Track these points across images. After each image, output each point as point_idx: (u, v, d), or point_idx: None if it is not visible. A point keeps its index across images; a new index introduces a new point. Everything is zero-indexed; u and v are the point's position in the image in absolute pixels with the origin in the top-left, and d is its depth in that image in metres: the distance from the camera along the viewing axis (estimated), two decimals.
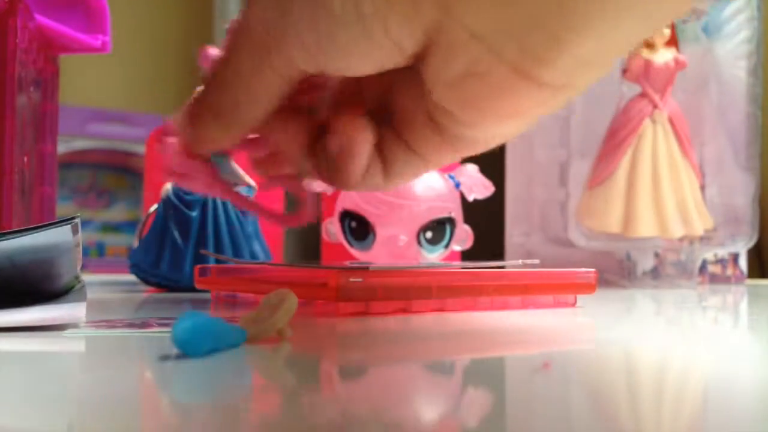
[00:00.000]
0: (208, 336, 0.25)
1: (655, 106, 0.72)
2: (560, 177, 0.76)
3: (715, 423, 0.19)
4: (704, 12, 0.76)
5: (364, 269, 0.38)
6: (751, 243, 0.76)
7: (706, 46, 0.76)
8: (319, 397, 0.21)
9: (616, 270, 0.73)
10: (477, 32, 0.26)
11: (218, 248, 0.54)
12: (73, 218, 0.32)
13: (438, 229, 0.51)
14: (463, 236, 0.53)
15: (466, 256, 0.59)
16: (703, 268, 0.76)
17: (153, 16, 1.67)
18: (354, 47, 0.28)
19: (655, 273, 0.73)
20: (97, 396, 0.21)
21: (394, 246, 0.50)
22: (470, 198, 0.53)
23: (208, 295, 0.47)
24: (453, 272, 0.40)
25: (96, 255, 1.46)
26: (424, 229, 0.51)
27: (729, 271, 0.77)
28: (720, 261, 0.77)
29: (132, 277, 0.57)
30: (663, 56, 0.72)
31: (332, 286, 0.37)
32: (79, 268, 0.35)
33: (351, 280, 0.37)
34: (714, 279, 0.76)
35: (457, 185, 0.53)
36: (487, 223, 0.68)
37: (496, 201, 0.67)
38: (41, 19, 0.48)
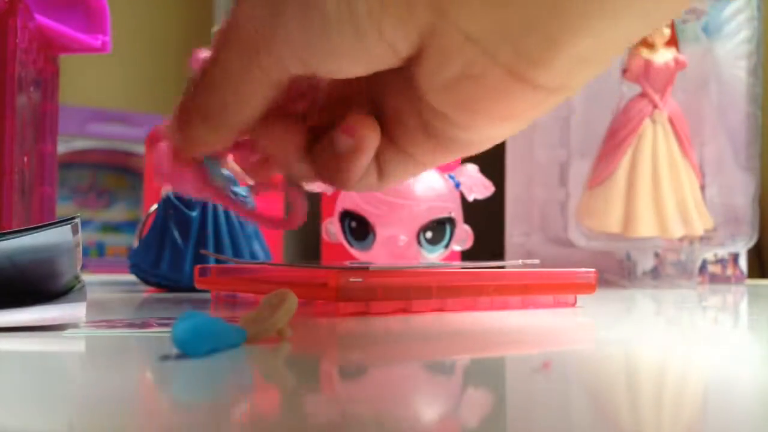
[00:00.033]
0: (208, 336, 0.25)
1: (655, 106, 0.72)
2: (560, 177, 0.76)
3: (714, 423, 0.19)
4: (704, 12, 0.76)
5: (364, 269, 0.38)
6: (751, 243, 0.76)
7: (706, 46, 0.76)
8: (319, 397, 0.21)
9: (616, 270, 0.73)
10: (472, 35, 0.26)
11: (218, 248, 0.54)
12: (73, 218, 0.32)
13: (438, 229, 0.51)
14: (463, 236, 0.53)
15: (466, 256, 0.59)
16: (703, 268, 0.76)
17: (153, 16, 1.67)
18: (346, 49, 0.28)
19: (655, 273, 0.73)
20: (97, 396, 0.21)
21: (394, 246, 0.50)
22: (470, 198, 0.53)
23: (208, 295, 0.47)
24: (453, 272, 0.40)
25: (96, 255, 1.46)
26: (424, 229, 0.51)
27: (729, 271, 0.77)
28: (720, 261, 0.77)
29: (132, 277, 0.57)
30: (663, 56, 0.72)
31: (332, 286, 0.37)
32: (79, 268, 0.35)
33: (351, 280, 0.37)
34: (714, 279, 0.76)
35: (457, 185, 0.53)
36: (487, 223, 0.68)
37: (496, 201, 0.67)
38: (41, 19, 0.48)
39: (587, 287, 0.44)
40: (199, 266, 0.45)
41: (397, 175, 0.33)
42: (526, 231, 0.78)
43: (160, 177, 0.35)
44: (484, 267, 0.42)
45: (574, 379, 0.25)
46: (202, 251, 0.52)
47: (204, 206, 0.54)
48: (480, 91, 0.28)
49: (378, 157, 0.32)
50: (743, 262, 0.77)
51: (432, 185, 0.51)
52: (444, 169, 0.51)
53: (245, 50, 0.29)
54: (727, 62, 0.76)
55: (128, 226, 1.49)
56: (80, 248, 0.34)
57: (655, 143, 0.71)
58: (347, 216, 0.52)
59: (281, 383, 0.24)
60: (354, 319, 0.36)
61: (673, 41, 0.73)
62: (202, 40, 0.31)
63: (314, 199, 0.38)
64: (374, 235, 0.51)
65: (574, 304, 0.44)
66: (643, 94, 0.72)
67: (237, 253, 0.54)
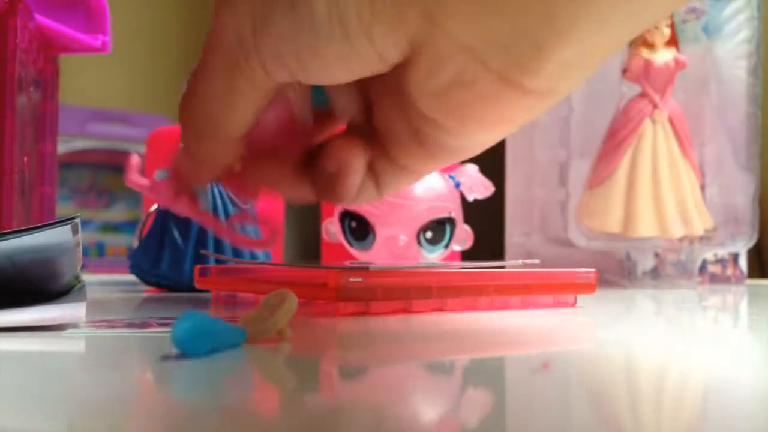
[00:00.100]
0: (208, 336, 0.25)
1: (655, 106, 0.72)
2: (560, 177, 0.76)
3: (715, 423, 0.19)
4: (704, 12, 0.76)
5: (364, 269, 0.38)
6: (751, 243, 0.76)
7: (706, 46, 0.76)
8: (319, 397, 0.21)
9: (616, 270, 0.73)
10: (463, 42, 0.26)
11: (218, 248, 0.54)
12: (73, 218, 0.32)
13: (438, 229, 0.51)
14: (463, 236, 0.53)
15: (466, 256, 0.59)
16: (703, 268, 0.76)
17: (153, 16, 1.67)
18: (335, 55, 0.27)
19: (655, 273, 0.73)
20: (97, 396, 0.21)
21: (394, 246, 0.50)
22: (470, 198, 0.53)
23: (208, 295, 0.47)
24: (453, 272, 0.40)
25: (96, 255, 1.46)
26: (424, 229, 0.51)
27: (729, 271, 0.77)
28: (720, 261, 0.77)
29: (132, 277, 0.57)
30: (663, 56, 0.72)
31: (332, 286, 0.37)
32: (79, 268, 0.35)
33: (351, 280, 0.37)
34: (714, 279, 0.76)
35: (457, 185, 0.53)
36: (487, 223, 0.68)
37: (496, 201, 0.67)
38: (41, 19, 0.48)
39: (587, 287, 0.44)
40: (199, 266, 0.45)
41: (394, 185, 0.33)
42: (526, 231, 0.78)
43: (156, 198, 0.37)
44: (484, 267, 0.42)
45: (574, 379, 0.25)
46: (202, 251, 0.52)
47: (214, 206, 0.54)
48: (471, 97, 0.28)
49: (373, 171, 0.32)
50: (743, 262, 0.77)
51: (432, 185, 0.51)
52: (444, 169, 0.51)
53: (229, 62, 0.29)
54: (727, 62, 0.76)
55: (128, 226, 1.49)
56: (80, 248, 0.34)
57: (655, 143, 0.71)
58: (347, 216, 0.52)
59: (281, 383, 0.24)
60: (354, 319, 0.36)
61: (673, 41, 0.73)
62: (202, 40, 0.31)
63: None
64: (374, 235, 0.51)
65: (574, 304, 0.44)
66: (643, 94, 0.72)
67: (237, 253, 0.54)
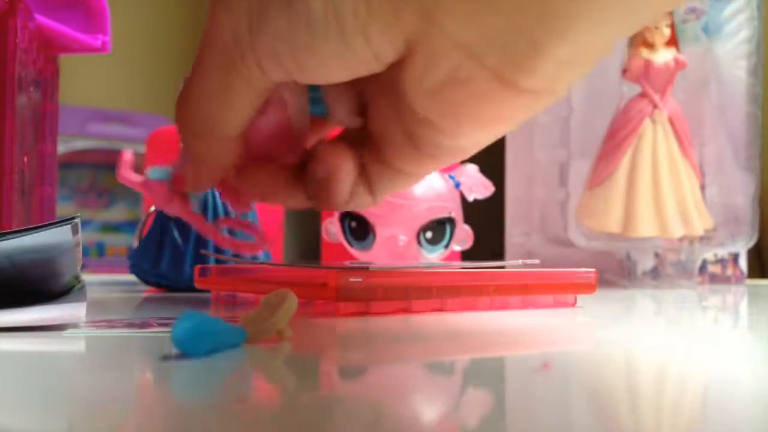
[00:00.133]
0: (208, 336, 0.25)
1: (655, 106, 0.72)
2: (560, 177, 0.76)
3: (714, 423, 0.19)
4: (704, 12, 0.76)
5: (364, 269, 0.38)
6: (751, 243, 0.76)
7: (706, 46, 0.76)
8: (319, 397, 0.21)
9: (616, 270, 0.73)
10: (459, 40, 0.26)
11: (218, 248, 0.54)
12: (73, 218, 0.32)
13: (438, 229, 0.51)
14: (463, 236, 0.53)
15: (466, 256, 0.59)
16: (703, 268, 0.76)
17: (153, 16, 1.67)
18: (331, 54, 0.27)
19: (655, 273, 0.73)
20: (97, 396, 0.21)
21: (394, 246, 0.50)
22: (470, 198, 0.53)
23: (208, 295, 0.47)
24: (453, 272, 0.40)
25: (96, 255, 1.46)
26: (424, 229, 0.51)
27: (729, 271, 0.77)
28: (720, 261, 0.77)
29: (132, 277, 0.57)
30: (663, 56, 0.72)
31: (332, 286, 0.37)
32: (79, 268, 0.35)
33: (351, 280, 0.37)
34: (714, 279, 0.76)
35: (457, 185, 0.53)
36: (487, 223, 0.68)
37: (496, 201, 0.67)
38: (41, 19, 0.48)
39: (587, 287, 0.44)
40: (199, 266, 0.45)
41: (388, 190, 0.33)
42: (526, 231, 0.78)
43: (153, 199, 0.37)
44: (484, 267, 0.42)
45: (574, 379, 0.25)
46: (202, 251, 0.52)
47: (204, 206, 0.54)
48: (466, 95, 0.28)
49: (367, 176, 0.32)
50: (743, 262, 0.77)
51: (432, 185, 0.51)
52: (444, 169, 0.51)
53: (224, 61, 0.29)
54: (727, 62, 0.76)
55: (128, 226, 1.49)
56: (80, 248, 0.34)
57: (655, 143, 0.71)
58: (347, 216, 0.52)
59: (281, 383, 0.24)
60: (354, 319, 0.36)
61: (673, 41, 0.73)
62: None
63: None
64: (374, 235, 0.51)
65: (574, 304, 0.44)
66: (643, 94, 0.72)
67: (237, 253, 0.54)
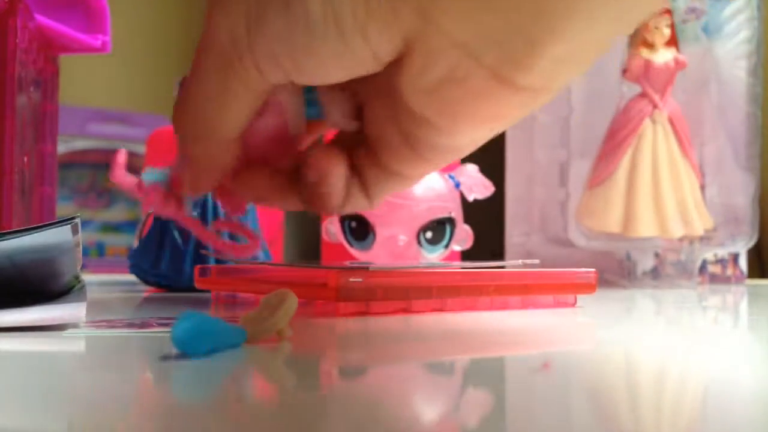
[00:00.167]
0: (208, 336, 0.25)
1: (655, 106, 0.72)
2: (560, 177, 0.76)
3: (714, 423, 0.19)
4: (704, 12, 0.76)
5: (364, 269, 0.38)
6: (751, 243, 0.76)
7: (706, 46, 0.76)
8: (319, 397, 0.21)
9: (616, 270, 0.73)
10: (457, 38, 0.26)
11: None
12: (73, 218, 0.32)
13: (438, 229, 0.51)
14: (463, 236, 0.53)
15: (466, 256, 0.59)
16: (703, 268, 0.76)
17: (153, 16, 1.67)
18: (330, 54, 0.27)
19: (655, 273, 0.73)
20: (97, 396, 0.21)
21: (394, 246, 0.50)
22: (470, 198, 0.53)
23: (208, 295, 0.47)
24: (453, 272, 0.40)
25: (96, 255, 1.46)
26: (424, 229, 0.51)
27: (729, 271, 0.77)
28: (720, 261, 0.77)
29: (132, 277, 0.57)
30: (663, 56, 0.72)
31: (332, 286, 0.37)
32: (79, 268, 0.35)
33: (351, 280, 0.37)
34: (714, 279, 0.76)
35: (457, 185, 0.53)
36: (487, 223, 0.68)
37: (496, 201, 0.67)
38: (41, 19, 0.48)
39: (587, 287, 0.44)
40: (199, 266, 0.45)
41: (384, 193, 0.33)
42: (526, 231, 0.78)
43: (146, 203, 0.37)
44: (484, 267, 0.42)
45: (574, 379, 0.25)
46: (202, 251, 0.52)
47: (204, 206, 0.54)
48: (463, 93, 0.28)
49: (363, 179, 0.32)
50: (743, 262, 0.77)
51: (432, 185, 0.51)
52: (444, 169, 0.51)
53: (222, 64, 0.29)
54: (727, 62, 0.76)
55: (128, 226, 1.49)
56: (80, 248, 0.34)
57: (655, 143, 0.71)
58: (347, 216, 0.52)
59: (281, 383, 0.24)
60: (354, 319, 0.36)
61: (673, 41, 0.73)
62: None
63: None
64: (374, 235, 0.51)
65: (574, 304, 0.44)
66: (643, 94, 0.72)
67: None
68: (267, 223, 0.61)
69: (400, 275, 0.39)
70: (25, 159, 0.46)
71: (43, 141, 0.51)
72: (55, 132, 0.53)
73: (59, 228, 0.32)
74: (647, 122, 0.72)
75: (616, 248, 0.73)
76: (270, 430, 0.18)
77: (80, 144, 1.46)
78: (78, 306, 0.32)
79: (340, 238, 0.53)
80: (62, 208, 0.90)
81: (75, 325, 0.31)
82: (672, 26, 0.73)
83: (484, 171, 0.54)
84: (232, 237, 0.51)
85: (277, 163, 0.33)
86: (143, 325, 0.32)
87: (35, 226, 0.32)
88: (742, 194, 0.75)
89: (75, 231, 0.32)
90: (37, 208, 0.50)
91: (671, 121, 0.72)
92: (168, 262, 0.53)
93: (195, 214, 0.45)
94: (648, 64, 0.71)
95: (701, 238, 0.74)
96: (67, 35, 0.50)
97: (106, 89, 1.61)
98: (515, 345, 0.32)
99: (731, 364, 0.28)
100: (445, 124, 0.29)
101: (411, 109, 0.29)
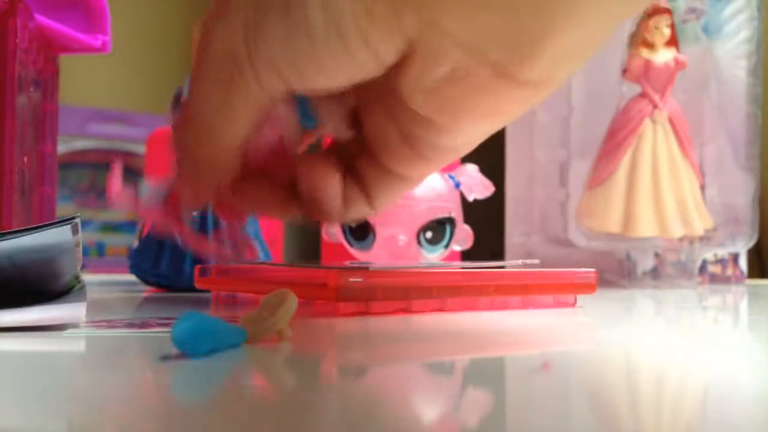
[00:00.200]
0: (208, 336, 0.25)
1: (655, 106, 0.72)
2: (560, 177, 0.76)
3: (714, 423, 0.19)
4: (704, 12, 0.76)
5: (364, 269, 0.38)
6: (751, 243, 0.76)
7: (706, 46, 0.76)
8: (319, 397, 0.21)
9: (616, 270, 0.73)
10: (459, 38, 0.26)
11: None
12: (73, 218, 0.32)
13: (438, 229, 0.51)
14: (463, 236, 0.53)
15: (466, 256, 0.59)
16: (703, 268, 0.76)
17: (153, 16, 1.67)
18: (331, 60, 0.27)
19: (655, 273, 0.73)
20: (97, 396, 0.21)
21: (394, 246, 0.50)
22: (470, 198, 0.53)
23: (208, 295, 0.47)
24: (453, 272, 0.40)
25: (96, 255, 1.46)
26: (424, 229, 0.51)
27: (729, 271, 0.77)
28: (720, 261, 0.77)
29: (132, 277, 0.57)
30: (663, 56, 0.72)
31: (332, 286, 0.37)
32: (79, 268, 0.35)
33: (351, 280, 0.37)
34: (714, 279, 0.76)
35: (457, 185, 0.53)
36: (487, 223, 0.68)
37: (496, 201, 0.67)
38: (41, 19, 0.48)
39: (587, 287, 0.44)
40: (199, 266, 0.45)
41: (386, 197, 0.33)
42: (526, 231, 0.78)
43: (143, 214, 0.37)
44: (484, 267, 0.42)
45: (574, 379, 0.25)
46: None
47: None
48: (464, 90, 0.28)
49: (363, 185, 0.32)
50: (743, 262, 0.77)
51: (432, 185, 0.51)
52: (444, 169, 0.51)
53: (221, 78, 0.29)
54: (727, 62, 0.76)
55: (128, 226, 1.49)
56: (80, 248, 0.34)
57: (655, 143, 0.71)
58: None
59: (281, 383, 0.24)
60: (354, 319, 0.36)
61: (673, 41, 0.73)
62: None
63: None
64: (374, 235, 0.51)
65: (574, 304, 0.44)
66: (643, 94, 0.72)
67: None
68: (267, 224, 0.61)
69: (400, 275, 0.39)
70: (25, 159, 0.46)
71: (43, 141, 0.51)
72: (55, 132, 0.53)
73: (59, 228, 0.32)
74: (647, 122, 0.72)
75: (616, 248, 0.73)
76: (270, 430, 0.18)
77: (80, 144, 1.46)
78: (78, 306, 0.32)
79: (340, 238, 0.52)
80: (62, 208, 0.90)
81: (75, 325, 0.31)
82: (672, 26, 0.73)
83: (484, 171, 0.54)
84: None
85: (276, 176, 0.33)
86: (143, 325, 0.32)
87: (35, 226, 0.32)
88: (742, 194, 0.75)
89: (75, 231, 0.32)
90: (37, 208, 0.50)
91: (671, 121, 0.72)
92: (168, 262, 0.53)
93: (194, 226, 0.45)
94: (648, 64, 0.71)
95: (701, 238, 0.74)
96: (67, 35, 0.50)
97: (106, 89, 1.61)
98: (515, 345, 0.32)
99: (731, 364, 0.28)
100: (445, 123, 0.29)
101: (410, 108, 0.29)
